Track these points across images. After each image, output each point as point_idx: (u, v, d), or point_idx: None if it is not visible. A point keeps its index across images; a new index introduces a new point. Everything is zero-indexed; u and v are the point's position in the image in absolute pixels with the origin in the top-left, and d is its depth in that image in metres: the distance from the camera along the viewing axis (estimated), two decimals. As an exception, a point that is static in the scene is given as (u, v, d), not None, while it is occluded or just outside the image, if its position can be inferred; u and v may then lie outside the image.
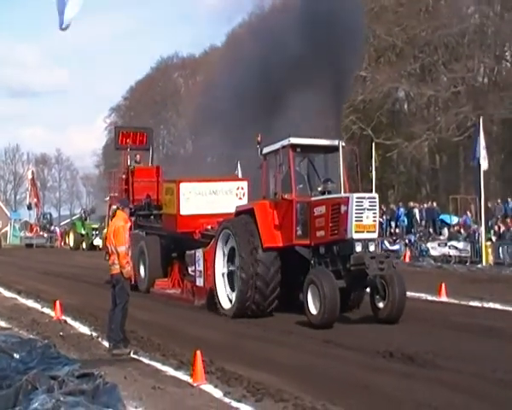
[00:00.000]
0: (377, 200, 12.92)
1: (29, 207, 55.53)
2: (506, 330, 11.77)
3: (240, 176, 22.45)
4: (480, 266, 25.57)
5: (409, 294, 13.17)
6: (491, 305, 15.27)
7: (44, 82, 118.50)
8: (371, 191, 23.05)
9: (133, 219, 20.65)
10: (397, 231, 32.62)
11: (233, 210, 14.88)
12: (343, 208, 12.54)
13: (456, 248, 27.88)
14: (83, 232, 46.37)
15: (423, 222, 32.45)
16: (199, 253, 15.67)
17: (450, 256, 27.73)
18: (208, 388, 8.18)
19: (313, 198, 13.51)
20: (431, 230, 31.88)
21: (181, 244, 17.76)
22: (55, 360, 6.41)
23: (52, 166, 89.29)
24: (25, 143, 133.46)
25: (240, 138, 20.85)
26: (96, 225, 46.01)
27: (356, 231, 12.37)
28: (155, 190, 20.95)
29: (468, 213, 32.05)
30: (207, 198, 17.55)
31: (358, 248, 12.39)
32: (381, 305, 12.57)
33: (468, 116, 36.85)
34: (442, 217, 33.07)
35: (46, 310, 15.20)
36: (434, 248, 28.53)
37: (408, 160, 44.30)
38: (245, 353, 10.39)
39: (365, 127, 40.62)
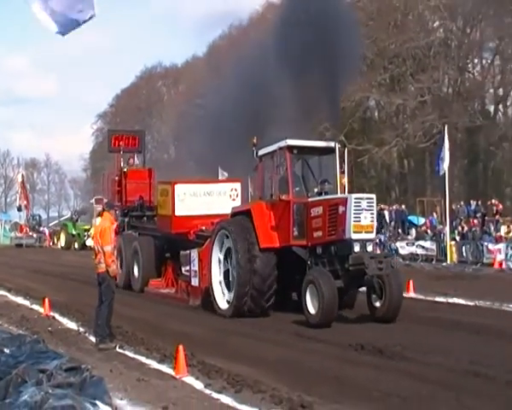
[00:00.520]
0: (375, 200, 12.55)
1: (19, 209, 55.00)
2: (469, 324, 11.85)
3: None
4: (444, 264, 25.78)
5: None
6: (456, 300, 15.41)
7: (33, 89, 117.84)
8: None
9: (126, 220, 20.43)
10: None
11: (227, 211, 14.45)
12: (341, 209, 12.14)
13: (422, 247, 28.07)
14: (74, 233, 46.14)
15: (392, 223, 32.67)
16: (194, 253, 15.06)
17: (417, 255, 27.89)
18: (190, 380, 8.15)
19: (310, 199, 13.09)
20: (400, 230, 32.11)
21: (175, 245, 17.21)
22: (43, 355, 6.34)
23: (41, 170, 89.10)
24: (15, 148, 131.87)
25: (221, 145, 20.75)
26: (87, 226, 45.79)
27: (354, 232, 11.95)
28: (148, 191, 20.69)
29: (434, 214, 32.39)
30: (202, 199, 17.04)
31: (357, 248, 11.99)
32: (377, 304, 12.23)
33: (433, 124, 37.18)
34: (410, 218, 33.38)
35: (35, 307, 15.03)
36: (403, 248, 28.68)
37: (378, 164, 44.68)
38: (225, 347, 10.35)
39: (338, 133, 40.70)
